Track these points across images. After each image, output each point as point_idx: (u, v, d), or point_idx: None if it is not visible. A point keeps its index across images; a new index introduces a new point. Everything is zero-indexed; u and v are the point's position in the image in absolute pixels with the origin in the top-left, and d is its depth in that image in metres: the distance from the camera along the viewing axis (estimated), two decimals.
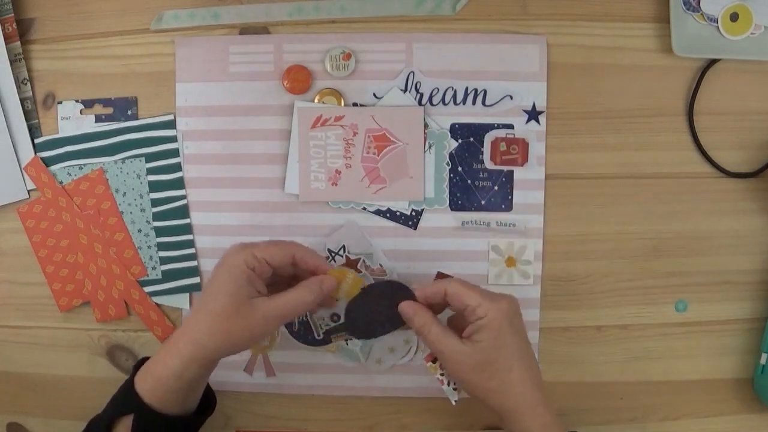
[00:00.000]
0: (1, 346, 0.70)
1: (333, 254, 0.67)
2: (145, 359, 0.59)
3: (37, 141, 0.68)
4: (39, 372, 0.70)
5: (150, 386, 0.55)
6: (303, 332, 0.68)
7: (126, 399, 0.56)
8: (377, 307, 0.61)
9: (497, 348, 0.55)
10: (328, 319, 0.68)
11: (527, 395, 0.55)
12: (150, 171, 0.68)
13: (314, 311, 0.67)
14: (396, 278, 0.67)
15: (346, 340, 0.68)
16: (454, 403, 0.60)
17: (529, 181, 0.68)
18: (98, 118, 0.69)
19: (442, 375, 0.60)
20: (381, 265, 0.67)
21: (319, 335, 0.68)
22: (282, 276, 0.60)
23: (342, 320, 0.65)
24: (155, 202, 0.69)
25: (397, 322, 0.60)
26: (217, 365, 0.58)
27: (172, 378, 0.55)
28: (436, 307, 0.60)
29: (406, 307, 0.59)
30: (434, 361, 0.60)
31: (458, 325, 0.58)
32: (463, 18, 0.67)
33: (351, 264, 0.67)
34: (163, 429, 0.56)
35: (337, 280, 0.60)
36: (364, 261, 0.67)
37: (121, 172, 0.68)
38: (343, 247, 0.67)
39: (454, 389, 0.60)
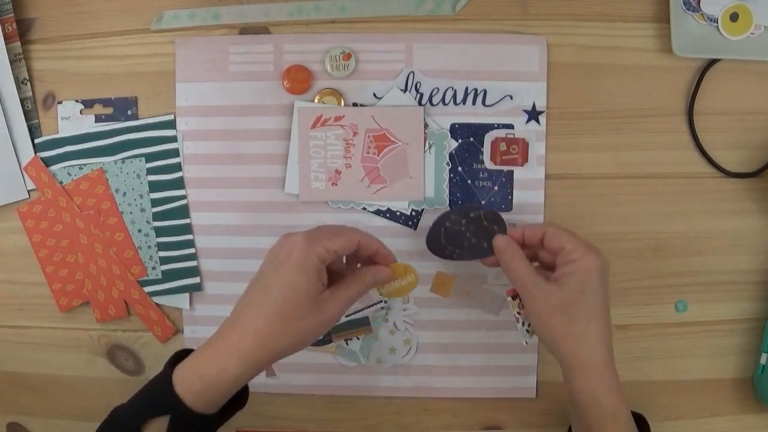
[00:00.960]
0: (1, 346, 0.70)
1: None
2: (183, 353, 0.55)
3: (37, 141, 0.68)
4: (39, 372, 0.70)
5: (197, 389, 0.51)
6: None
7: (162, 400, 0.52)
8: (467, 230, 0.61)
9: (583, 293, 0.54)
10: None
11: (600, 352, 0.54)
12: (150, 171, 0.68)
13: None
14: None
15: (347, 340, 0.69)
16: (525, 344, 0.59)
17: (529, 181, 0.68)
18: (98, 118, 0.69)
19: (519, 314, 0.59)
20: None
21: None
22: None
23: (427, 233, 0.64)
24: (155, 202, 0.69)
25: (480, 252, 0.60)
26: None
27: (229, 383, 0.52)
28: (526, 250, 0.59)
29: (500, 239, 0.59)
30: (514, 298, 0.59)
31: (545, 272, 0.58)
32: (463, 18, 0.67)
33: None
34: (200, 430, 0.53)
35: (395, 275, 0.60)
36: None
37: (121, 172, 0.68)
38: None
39: (527, 331, 0.59)
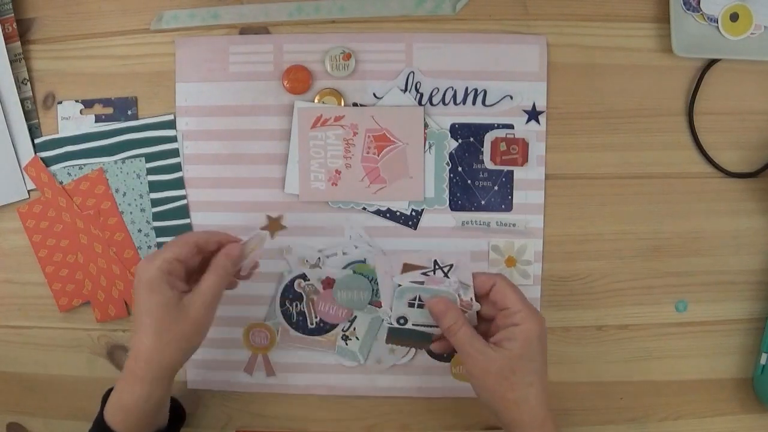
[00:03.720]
0: (1, 346, 0.70)
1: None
2: (110, 391, 0.59)
3: (37, 141, 0.68)
4: (39, 372, 0.70)
5: (122, 418, 0.56)
6: (302, 322, 0.68)
7: None
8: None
9: (523, 359, 0.55)
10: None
11: (540, 415, 0.56)
12: (150, 171, 0.68)
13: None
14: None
15: (346, 340, 0.68)
16: None
17: (529, 181, 0.68)
18: (98, 118, 0.69)
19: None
20: (472, 299, 0.60)
21: (312, 323, 0.68)
22: (195, 267, 0.60)
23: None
24: (155, 202, 0.69)
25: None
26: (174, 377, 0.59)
27: (141, 402, 0.56)
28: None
29: (437, 303, 0.58)
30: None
31: (484, 333, 0.58)
32: (463, 18, 0.67)
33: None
34: None
35: (249, 247, 0.61)
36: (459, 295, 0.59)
37: (121, 172, 0.68)
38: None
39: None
